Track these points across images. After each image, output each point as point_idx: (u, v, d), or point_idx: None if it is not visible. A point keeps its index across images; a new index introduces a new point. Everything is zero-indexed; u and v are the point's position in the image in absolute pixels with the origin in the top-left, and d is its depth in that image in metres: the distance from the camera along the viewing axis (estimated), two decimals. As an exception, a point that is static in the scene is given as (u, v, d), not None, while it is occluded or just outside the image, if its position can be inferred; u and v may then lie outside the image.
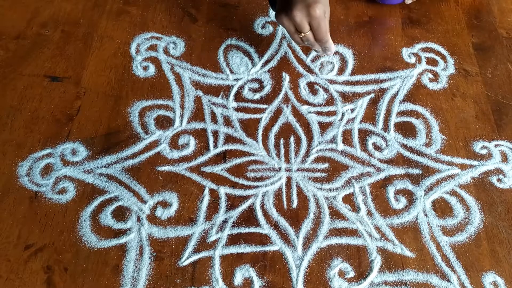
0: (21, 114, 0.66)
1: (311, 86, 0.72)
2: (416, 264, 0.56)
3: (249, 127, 0.67)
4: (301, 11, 0.61)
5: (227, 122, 0.67)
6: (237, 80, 0.72)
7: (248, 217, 0.59)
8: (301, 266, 0.55)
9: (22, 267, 0.54)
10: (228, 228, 0.58)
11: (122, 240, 0.56)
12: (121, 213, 0.58)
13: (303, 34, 0.63)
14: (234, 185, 0.61)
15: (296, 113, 0.69)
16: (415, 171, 0.64)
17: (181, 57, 0.74)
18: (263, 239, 0.57)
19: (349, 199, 0.61)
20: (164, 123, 0.67)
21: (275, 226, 0.58)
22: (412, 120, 0.69)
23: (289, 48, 0.76)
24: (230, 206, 0.60)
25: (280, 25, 0.69)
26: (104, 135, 0.65)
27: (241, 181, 0.62)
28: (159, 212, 0.59)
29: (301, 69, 0.73)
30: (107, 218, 0.58)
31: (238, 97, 0.70)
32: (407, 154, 0.65)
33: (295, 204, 0.60)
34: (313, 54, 0.75)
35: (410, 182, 0.63)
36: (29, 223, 0.57)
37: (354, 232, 0.58)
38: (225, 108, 0.69)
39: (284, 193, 0.61)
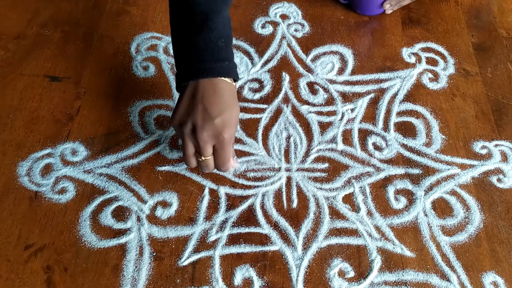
0: (21, 114, 0.66)
1: (311, 86, 0.72)
2: (416, 264, 0.56)
3: (249, 127, 0.67)
4: (210, 132, 0.52)
5: (227, 122, 0.67)
6: (237, 80, 0.72)
7: (248, 217, 0.59)
8: (301, 266, 0.55)
9: (22, 267, 0.54)
10: (228, 228, 0.58)
11: (122, 240, 0.56)
12: (121, 213, 0.58)
13: (203, 158, 0.55)
14: (234, 185, 0.61)
15: (296, 113, 0.69)
16: (415, 171, 0.64)
17: (181, 57, 0.74)
18: (263, 239, 0.57)
19: (349, 199, 0.61)
20: (164, 123, 0.67)
21: (275, 226, 0.58)
22: (412, 120, 0.69)
23: (289, 48, 0.76)
24: (230, 206, 0.60)
25: (175, 131, 0.58)
26: (104, 135, 0.65)
27: (241, 181, 0.62)
28: (159, 212, 0.59)
29: (301, 69, 0.73)
30: (107, 218, 0.58)
31: (238, 97, 0.70)
32: (407, 154, 0.65)
33: (295, 204, 0.60)
34: (313, 54, 0.75)
35: (410, 182, 0.62)
36: (29, 223, 0.57)
37: (354, 232, 0.58)
38: (225, 108, 0.68)
39: (284, 193, 0.61)
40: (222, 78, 0.54)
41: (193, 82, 0.54)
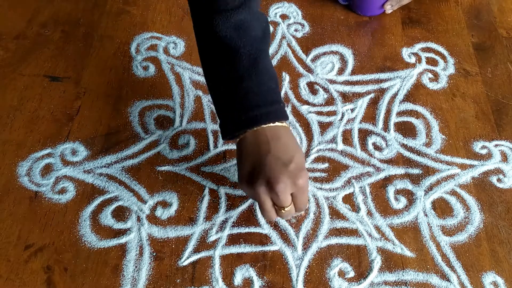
0: (21, 114, 0.66)
1: (311, 86, 0.72)
2: (416, 264, 0.56)
3: (249, 127, 0.67)
4: (288, 182, 0.47)
5: (227, 122, 0.67)
6: (237, 80, 0.72)
7: (248, 217, 0.59)
8: (301, 266, 0.55)
9: (22, 267, 0.54)
10: (228, 228, 0.58)
11: (122, 240, 0.56)
12: (121, 213, 0.58)
13: (285, 210, 0.50)
14: (234, 185, 0.61)
15: (296, 113, 0.69)
16: (415, 171, 0.64)
17: (181, 57, 0.74)
18: (263, 239, 0.57)
19: (349, 199, 0.61)
20: (164, 123, 0.67)
21: (275, 226, 0.58)
22: (412, 120, 0.69)
23: (289, 48, 0.76)
24: (230, 206, 0.60)
25: (247, 195, 0.54)
26: (104, 135, 0.65)
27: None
28: (159, 212, 0.59)
29: (301, 69, 0.73)
30: (107, 218, 0.58)
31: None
32: (407, 154, 0.65)
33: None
34: (313, 54, 0.75)
35: (410, 182, 0.62)
36: (29, 223, 0.57)
37: (354, 232, 0.58)
38: (225, 108, 0.68)
39: (284, 193, 0.61)
40: (282, 123, 0.50)
41: (250, 132, 0.49)
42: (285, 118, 0.51)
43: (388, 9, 0.79)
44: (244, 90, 0.50)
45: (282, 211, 0.50)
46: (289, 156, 0.48)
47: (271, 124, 0.49)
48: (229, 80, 0.51)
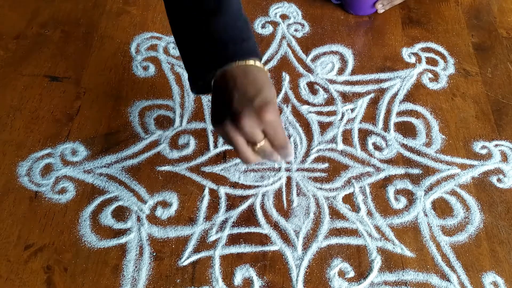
0: (21, 114, 0.66)
1: (311, 86, 0.72)
2: (416, 264, 0.56)
3: (249, 127, 0.67)
4: (253, 115, 0.45)
5: (227, 122, 0.67)
6: (237, 80, 0.72)
7: (248, 217, 0.59)
8: (301, 266, 0.55)
9: (22, 267, 0.54)
10: (228, 228, 0.58)
11: (122, 240, 0.56)
12: (121, 213, 0.58)
13: (258, 145, 0.47)
14: (234, 185, 0.61)
15: (296, 113, 0.69)
16: (415, 171, 0.64)
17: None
18: (263, 239, 0.57)
19: (349, 199, 0.61)
20: (164, 123, 0.67)
21: (275, 226, 0.58)
22: (412, 120, 0.69)
23: (289, 48, 0.76)
24: (230, 206, 0.60)
25: (220, 136, 0.53)
26: (104, 135, 0.65)
27: (241, 181, 0.62)
28: (159, 212, 0.59)
29: (301, 69, 0.73)
30: (107, 218, 0.58)
31: (238, 97, 0.70)
32: (407, 154, 0.65)
33: (295, 204, 0.60)
34: (313, 54, 0.75)
35: (410, 182, 0.62)
36: (29, 223, 0.57)
37: (354, 232, 0.58)
38: (225, 108, 0.68)
39: (284, 193, 0.61)
40: (250, 60, 0.47)
41: (220, 73, 0.47)
42: (255, 55, 0.48)
43: (380, 8, 0.79)
44: (210, 31, 0.48)
45: (256, 148, 0.47)
46: (255, 90, 0.45)
47: (241, 63, 0.47)
48: (195, 23, 0.49)
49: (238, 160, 0.63)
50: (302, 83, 0.72)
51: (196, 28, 0.50)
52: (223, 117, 0.46)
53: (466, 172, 0.64)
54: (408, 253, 0.57)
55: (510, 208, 0.61)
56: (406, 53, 0.76)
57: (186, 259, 0.55)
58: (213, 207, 0.59)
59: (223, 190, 0.61)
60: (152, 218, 0.58)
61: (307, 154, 0.64)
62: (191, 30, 0.50)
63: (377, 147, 0.66)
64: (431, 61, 0.76)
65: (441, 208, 0.60)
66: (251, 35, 0.50)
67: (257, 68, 0.47)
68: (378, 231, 0.58)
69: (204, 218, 0.59)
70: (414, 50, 0.77)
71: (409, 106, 0.70)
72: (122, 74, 0.71)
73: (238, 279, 0.54)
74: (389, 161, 0.64)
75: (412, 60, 0.76)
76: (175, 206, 0.59)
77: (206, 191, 0.61)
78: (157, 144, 0.64)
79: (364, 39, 0.78)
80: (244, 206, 0.60)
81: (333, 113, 0.69)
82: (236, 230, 0.58)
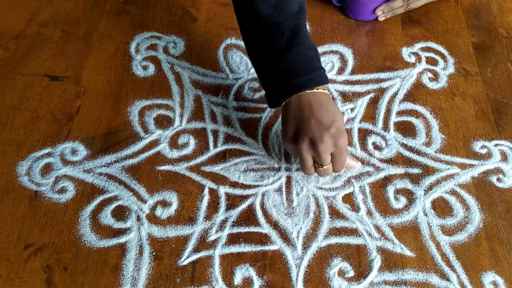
0: (21, 113, 0.66)
1: (311, 85, 0.72)
2: (416, 264, 0.56)
3: (249, 126, 0.67)
4: (329, 142, 0.53)
5: (227, 121, 0.67)
6: (237, 79, 0.72)
7: (248, 217, 0.59)
8: (301, 266, 0.55)
9: (22, 267, 0.54)
10: (228, 227, 0.58)
11: (122, 239, 0.56)
12: (121, 213, 0.58)
13: (323, 168, 0.56)
14: (234, 184, 0.61)
15: (296, 112, 0.68)
16: (415, 170, 0.64)
17: (181, 56, 0.74)
18: (263, 239, 0.57)
19: (349, 199, 0.61)
20: (164, 122, 0.67)
21: (275, 225, 0.58)
22: (412, 119, 0.69)
23: (289, 48, 0.76)
24: (230, 206, 0.60)
25: (290, 153, 0.61)
26: (104, 135, 0.65)
27: (241, 181, 0.62)
28: (159, 211, 0.59)
29: (301, 69, 0.73)
30: (106, 218, 0.58)
31: (238, 96, 0.70)
32: (407, 153, 0.65)
33: (295, 204, 0.60)
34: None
35: (410, 181, 0.63)
36: (29, 223, 0.57)
37: (354, 232, 0.58)
38: (225, 107, 0.69)
39: (284, 193, 0.61)
40: (320, 87, 0.56)
41: (295, 97, 0.56)
42: (326, 82, 0.57)
43: (380, 15, 0.79)
44: (287, 61, 0.56)
45: (321, 169, 0.56)
46: (331, 120, 0.54)
47: (314, 90, 0.55)
48: (272, 53, 0.57)
49: (238, 160, 0.63)
50: (302, 82, 0.72)
51: (272, 62, 0.57)
52: (301, 138, 0.54)
53: (466, 171, 0.64)
54: (408, 252, 0.57)
55: (510, 207, 0.61)
56: (406, 53, 0.76)
57: (186, 258, 0.56)
58: (213, 207, 0.59)
59: (223, 190, 0.61)
60: (152, 218, 0.58)
61: (307, 154, 0.64)
62: (268, 64, 0.58)
63: (377, 147, 0.66)
64: (431, 61, 0.76)
65: (441, 207, 0.60)
66: (320, 63, 0.58)
67: (327, 96, 0.56)
68: (378, 231, 0.58)
69: (204, 217, 0.59)
70: (414, 50, 0.77)
71: (409, 105, 0.70)
72: (122, 74, 0.71)
73: (238, 279, 0.54)
74: (389, 161, 0.64)
75: (412, 59, 0.76)
76: (175, 206, 0.59)
77: (206, 191, 0.61)
78: (157, 143, 0.64)
79: (364, 38, 0.78)
80: (244, 205, 0.60)
81: (333, 112, 0.69)
82: (236, 230, 0.58)
